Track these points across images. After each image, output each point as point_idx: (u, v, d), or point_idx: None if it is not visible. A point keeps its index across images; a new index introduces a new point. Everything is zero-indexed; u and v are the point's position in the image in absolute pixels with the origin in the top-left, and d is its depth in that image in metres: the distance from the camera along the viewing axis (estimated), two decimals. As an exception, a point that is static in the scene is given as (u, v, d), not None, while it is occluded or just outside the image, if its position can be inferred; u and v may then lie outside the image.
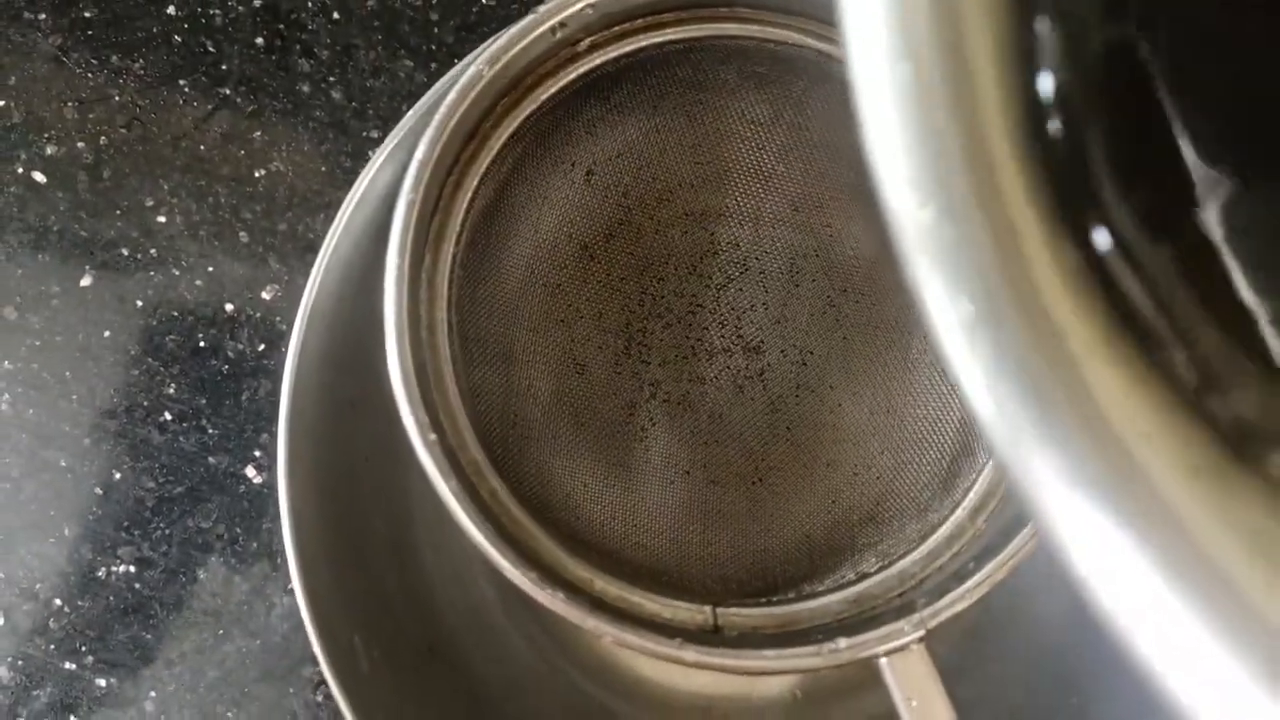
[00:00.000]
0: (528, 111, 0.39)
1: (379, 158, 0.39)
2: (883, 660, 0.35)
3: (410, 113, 0.39)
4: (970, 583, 0.35)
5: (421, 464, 0.34)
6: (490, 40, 0.36)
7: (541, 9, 0.36)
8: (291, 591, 0.47)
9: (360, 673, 0.39)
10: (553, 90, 0.39)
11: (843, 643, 0.34)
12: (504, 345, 0.41)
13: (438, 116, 0.35)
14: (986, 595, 0.35)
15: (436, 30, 0.50)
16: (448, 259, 0.38)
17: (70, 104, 0.49)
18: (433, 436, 0.34)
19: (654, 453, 0.42)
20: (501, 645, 0.47)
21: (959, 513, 0.39)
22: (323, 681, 0.47)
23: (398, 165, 0.39)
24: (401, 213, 0.35)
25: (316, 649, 0.38)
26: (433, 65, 0.50)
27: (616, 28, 0.38)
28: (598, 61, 0.39)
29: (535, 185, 0.41)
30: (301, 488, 0.38)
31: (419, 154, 0.35)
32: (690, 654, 0.34)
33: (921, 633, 0.35)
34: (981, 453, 0.39)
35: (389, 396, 0.41)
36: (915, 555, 0.39)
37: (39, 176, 0.49)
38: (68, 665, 0.47)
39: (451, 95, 0.35)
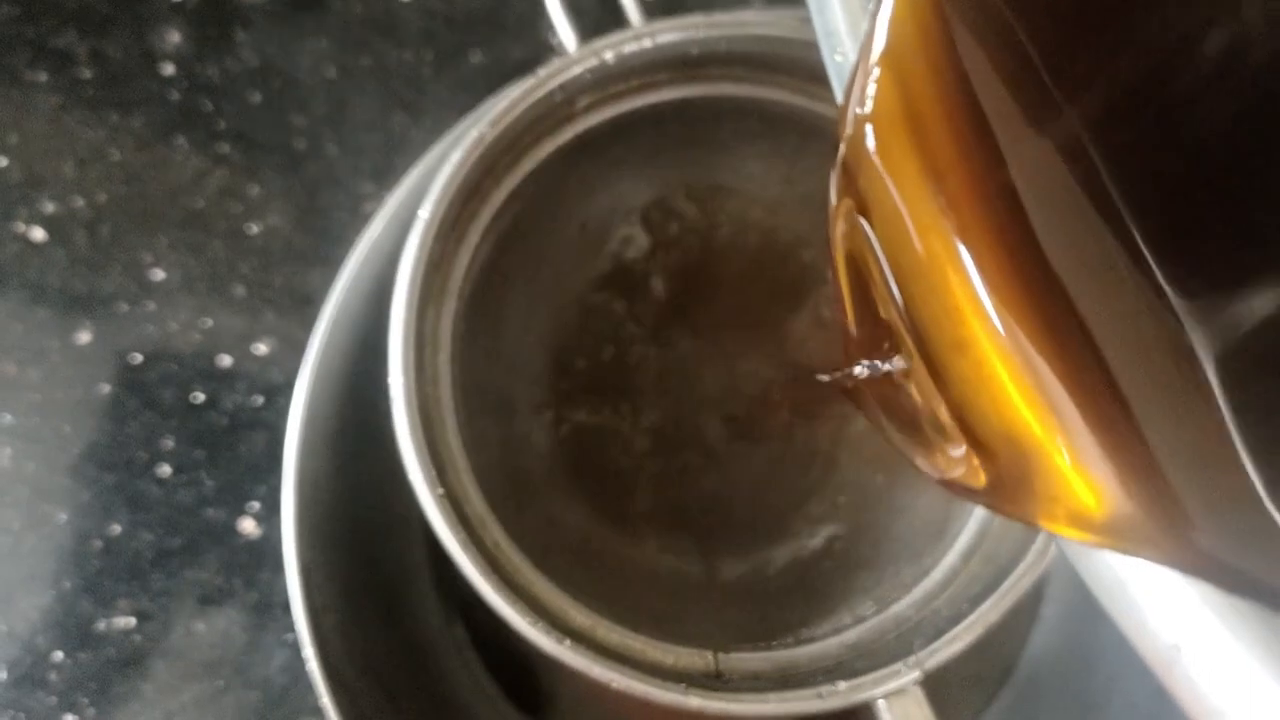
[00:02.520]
0: (527, 170, 0.40)
1: (384, 213, 0.40)
2: (880, 702, 0.36)
3: (412, 170, 0.40)
4: (965, 623, 0.36)
5: (427, 517, 0.35)
6: (493, 102, 0.37)
7: (541, 72, 0.37)
8: (288, 643, 0.47)
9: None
10: (550, 149, 0.40)
11: (842, 685, 0.35)
12: (504, 397, 0.42)
13: (442, 176, 0.36)
14: (981, 636, 0.36)
15: (430, 86, 0.52)
16: (450, 313, 0.39)
17: (69, 161, 0.50)
18: (440, 490, 0.35)
19: (652, 501, 0.43)
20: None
21: (951, 556, 0.40)
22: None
23: (400, 221, 0.40)
24: (407, 270, 0.36)
25: (330, 711, 0.38)
26: (426, 120, 0.51)
27: (612, 89, 0.40)
28: (594, 122, 0.40)
29: (533, 240, 0.42)
30: (307, 541, 0.39)
31: (424, 213, 0.36)
32: (695, 699, 0.35)
33: (918, 674, 0.35)
34: (972, 497, 0.40)
35: (392, 448, 0.42)
36: (910, 599, 0.40)
37: (38, 233, 0.50)
38: (68, 718, 0.47)
39: (455, 156, 0.36)
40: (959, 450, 0.17)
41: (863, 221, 0.17)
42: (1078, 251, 0.14)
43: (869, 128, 0.16)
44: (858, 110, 0.16)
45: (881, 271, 0.17)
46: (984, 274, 0.15)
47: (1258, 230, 0.15)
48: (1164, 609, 0.16)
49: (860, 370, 0.19)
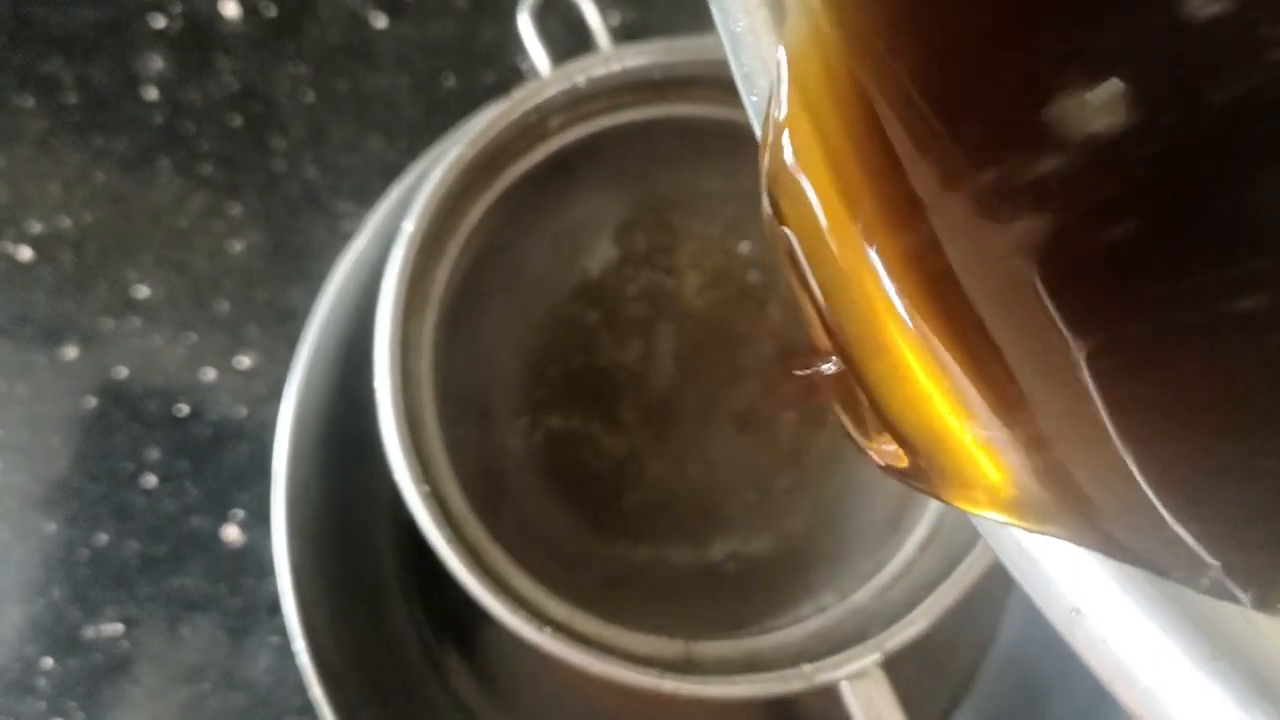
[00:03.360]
0: (502, 187, 0.42)
1: (368, 229, 0.42)
2: (844, 684, 0.38)
3: (393, 189, 0.42)
4: (920, 607, 0.38)
5: (413, 514, 0.37)
6: (470, 122, 0.39)
7: (516, 94, 0.39)
8: (272, 646, 0.49)
9: None
10: (524, 167, 0.42)
11: (807, 668, 0.37)
12: (482, 404, 0.44)
13: (424, 193, 0.38)
14: (937, 620, 0.38)
15: (405, 110, 0.54)
16: (431, 322, 0.41)
17: (56, 183, 0.52)
18: (426, 487, 0.37)
19: (622, 503, 0.45)
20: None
21: (907, 548, 0.42)
22: (306, 732, 0.49)
23: (382, 236, 0.42)
24: (393, 280, 0.38)
25: (321, 701, 0.40)
26: (402, 143, 0.53)
27: (582, 109, 0.42)
28: (566, 141, 0.42)
29: (508, 254, 0.44)
30: (296, 540, 0.41)
31: (408, 227, 0.38)
32: (669, 683, 0.37)
33: (878, 656, 0.38)
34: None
35: (375, 451, 0.44)
36: (869, 589, 0.42)
37: (25, 253, 0.51)
38: (57, 723, 0.48)
39: (436, 173, 0.38)
40: (890, 443, 0.18)
41: (789, 235, 0.18)
42: (979, 261, 0.16)
43: (785, 149, 0.17)
44: (775, 122, 0.18)
45: (808, 281, 0.18)
46: (897, 285, 0.16)
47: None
48: (1064, 575, 0.18)
49: (826, 366, 0.20)
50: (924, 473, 0.18)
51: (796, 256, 0.18)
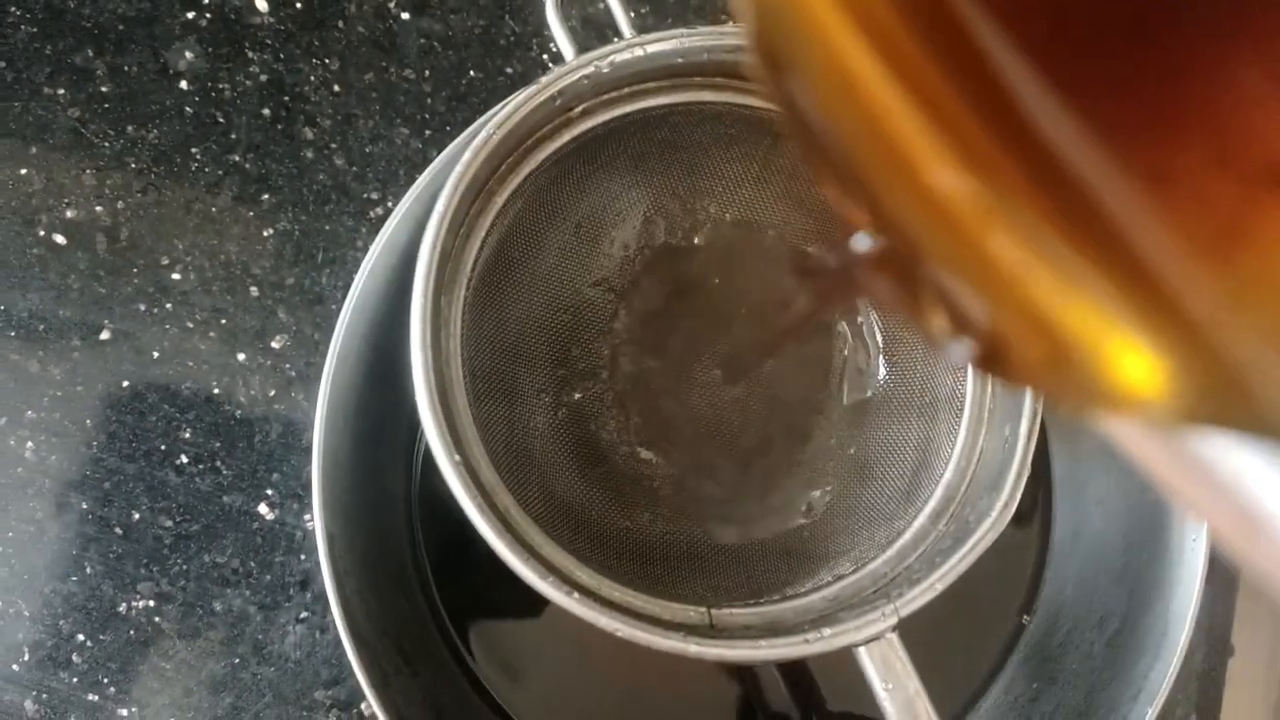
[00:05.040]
0: (527, 171, 0.43)
1: (397, 213, 0.43)
2: (861, 649, 0.39)
3: (425, 172, 0.43)
4: (935, 576, 0.39)
5: (448, 482, 0.38)
6: (499, 106, 0.40)
7: (543, 80, 0.41)
8: (302, 620, 0.50)
9: (395, 688, 0.42)
10: (549, 151, 0.44)
11: (826, 631, 0.39)
12: (507, 382, 0.45)
13: (454, 174, 0.40)
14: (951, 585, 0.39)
15: (430, 101, 0.55)
16: (459, 302, 0.42)
17: (89, 171, 0.53)
18: (458, 457, 0.38)
19: (645, 478, 0.46)
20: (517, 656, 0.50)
21: (921, 519, 0.43)
22: (334, 705, 0.50)
23: (411, 220, 0.43)
24: (425, 259, 0.39)
25: (355, 667, 0.41)
26: (427, 132, 0.55)
27: (605, 96, 0.43)
28: (588, 125, 0.44)
29: (531, 237, 0.45)
30: (330, 511, 0.42)
31: (439, 207, 0.39)
32: (693, 646, 0.38)
33: (894, 621, 0.39)
34: (939, 465, 0.44)
35: (401, 429, 0.45)
36: (885, 557, 0.43)
37: (59, 238, 0.53)
38: (91, 697, 0.49)
39: (466, 155, 0.40)
40: (974, 335, 0.15)
41: (813, 111, 0.14)
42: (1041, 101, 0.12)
43: None
44: None
45: (856, 165, 0.14)
46: (953, 137, 0.12)
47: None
48: (1243, 481, 0.15)
49: (863, 243, 0.17)
50: (1033, 369, 0.14)
51: (831, 134, 0.14)
